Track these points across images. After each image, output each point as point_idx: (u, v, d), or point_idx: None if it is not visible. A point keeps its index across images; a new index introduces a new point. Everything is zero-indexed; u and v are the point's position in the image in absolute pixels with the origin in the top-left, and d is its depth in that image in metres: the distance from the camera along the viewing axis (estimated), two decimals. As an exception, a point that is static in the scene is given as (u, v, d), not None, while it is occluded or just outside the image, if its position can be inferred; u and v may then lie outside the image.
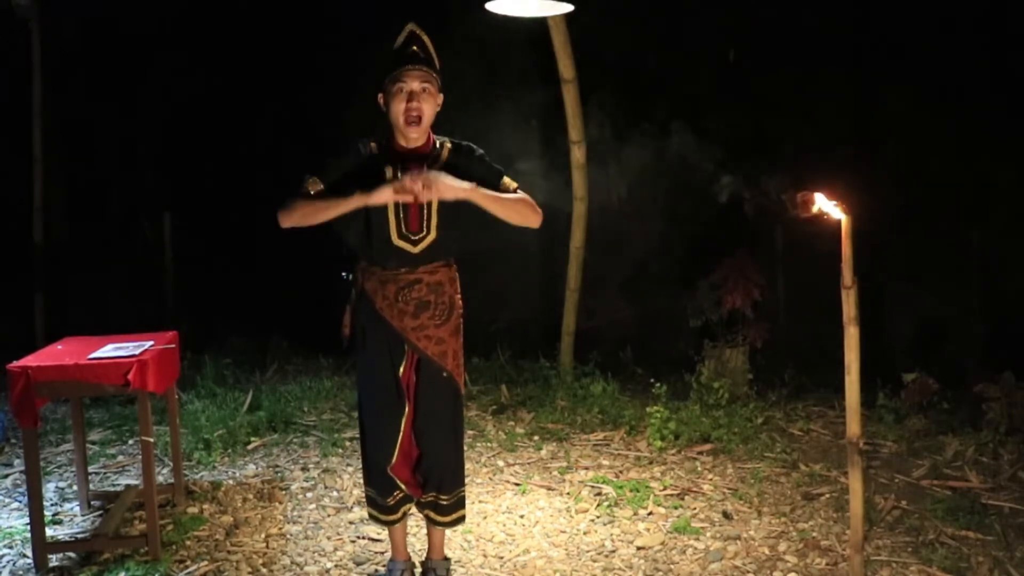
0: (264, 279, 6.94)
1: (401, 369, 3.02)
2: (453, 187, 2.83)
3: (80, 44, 6.86)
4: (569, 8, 4.31)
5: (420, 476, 3.12)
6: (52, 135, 6.65)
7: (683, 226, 6.61)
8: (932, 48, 5.70)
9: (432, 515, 3.15)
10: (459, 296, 3.11)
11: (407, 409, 3.05)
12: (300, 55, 6.93)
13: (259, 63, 7.02)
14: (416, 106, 2.89)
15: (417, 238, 2.97)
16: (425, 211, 2.94)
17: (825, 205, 2.69)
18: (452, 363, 3.06)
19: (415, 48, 2.92)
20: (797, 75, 6.15)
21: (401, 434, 3.05)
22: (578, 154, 5.69)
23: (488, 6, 4.19)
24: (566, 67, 5.42)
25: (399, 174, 2.86)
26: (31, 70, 6.47)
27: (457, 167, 2.96)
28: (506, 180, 3.05)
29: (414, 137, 2.95)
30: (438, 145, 3.03)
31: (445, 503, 3.13)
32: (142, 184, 7.30)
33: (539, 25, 5.27)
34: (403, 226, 2.94)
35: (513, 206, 2.99)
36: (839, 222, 2.67)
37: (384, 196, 2.81)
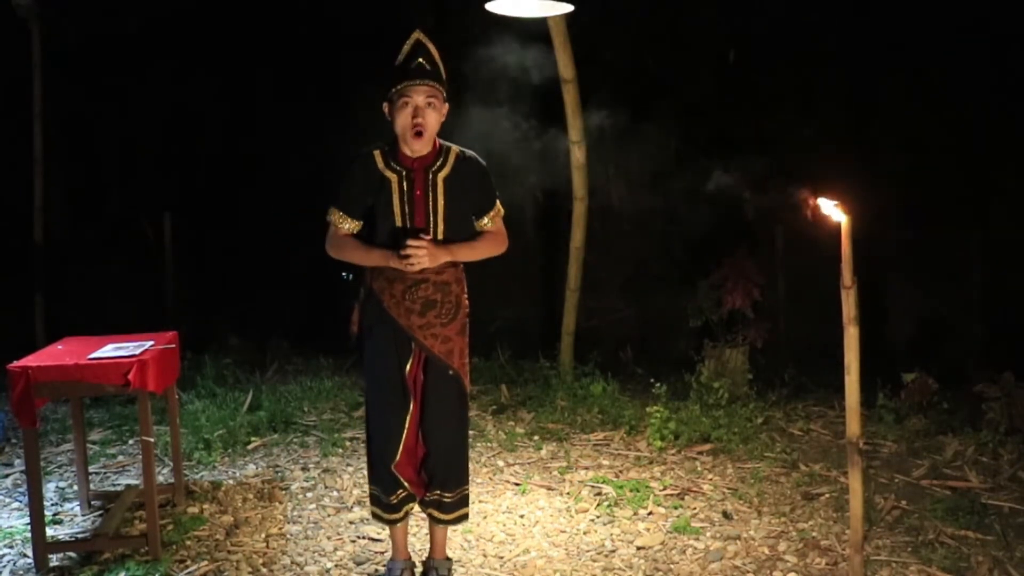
0: (264, 279, 6.93)
1: (408, 367, 3.05)
2: (439, 258, 2.98)
3: (80, 44, 6.85)
4: (569, 8, 4.31)
5: (425, 475, 3.13)
6: (52, 135, 6.65)
7: (683, 226, 6.61)
8: (932, 47, 5.71)
9: (435, 513, 3.16)
10: (466, 296, 3.13)
11: (412, 407, 3.06)
12: (300, 56, 6.93)
13: (259, 63, 7.02)
14: (420, 121, 2.93)
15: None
16: (431, 215, 2.99)
17: (825, 206, 2.70)
18: (458, 361, 3.08)
19: (421, 60, 2.94)
20: (796, 75, 6.15)
21: (406, 432, 3.06)
22: (578, 154, 5.69)
23: (488, 6, 4.19)
24: (566, 67, 5.41)
25: (405, 184, 2.97)
26: (31, 70, 6.47)
27: (460, 176, 3.03)
28: (495, 210, 3.14)
29: (418, 148, 3.00)
30: (443, 152, 3.06)
31: (449, 501, 3.14)
32: (142, 184, 7.30)
33: (539, 25, 5.27)
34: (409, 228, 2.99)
35: (483, 251, 3.12)
36: (839, 223, 2.67)
37: (397, 263, 2.94)
